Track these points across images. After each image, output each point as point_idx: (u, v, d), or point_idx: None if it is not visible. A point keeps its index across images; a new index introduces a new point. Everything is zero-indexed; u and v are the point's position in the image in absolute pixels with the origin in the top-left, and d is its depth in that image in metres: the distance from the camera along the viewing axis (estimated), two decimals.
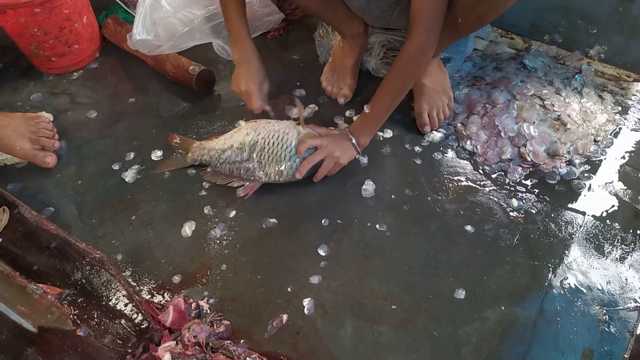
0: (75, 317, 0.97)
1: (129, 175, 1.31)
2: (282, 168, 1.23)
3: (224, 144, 1.28)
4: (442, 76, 1.41)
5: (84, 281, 1.02)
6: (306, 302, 1.07)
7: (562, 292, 1.09)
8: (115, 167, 1.33)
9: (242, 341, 1.01)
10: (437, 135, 1.41)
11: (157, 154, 1.36)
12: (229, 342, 1.00)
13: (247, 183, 1.25)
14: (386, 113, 1.27)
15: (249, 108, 1.33)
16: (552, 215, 1.22)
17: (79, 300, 0.99)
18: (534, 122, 1.34)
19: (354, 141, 1.25)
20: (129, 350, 0.94)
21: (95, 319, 0.97)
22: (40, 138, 1.31)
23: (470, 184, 1.29)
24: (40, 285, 0.97)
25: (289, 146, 1.24)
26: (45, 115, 1.42)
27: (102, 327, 0.96)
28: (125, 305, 0.99)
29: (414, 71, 1.24)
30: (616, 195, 1.26)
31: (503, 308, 1.06)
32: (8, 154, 1.30)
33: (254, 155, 1.24)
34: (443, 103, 1.40)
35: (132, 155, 1.36)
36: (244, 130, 1.28)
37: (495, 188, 1.28)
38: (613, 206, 1.24)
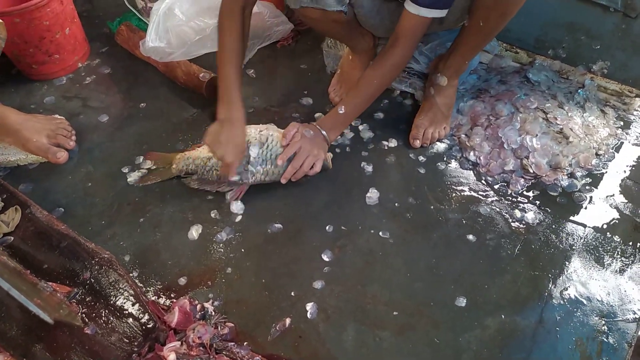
0: (84, 315, 0.98)
1: (132, 177, 1.34)
2: (269, 167, 1.27)
3: (209, 152, 1.26)
4: (452, 101, 1.45)
5: (92, 280, 1.04)
6: (309, 306, 1.09)
7: (561, 302, 1.10)
8: (125, 170, 1.36)
9: (245, 343, 1.03)
10: (441, 146, 1.43)
11: (147, 164, 1.37)
12: (232, 344, 1.01)
13: (234, 187, 1.28)
14: (356, 115, 1.36)
15: (220, 171, 1.26)
16: (553, 226, 1.23)
17: (88, 299, 1.01)
18: (537, 135, 1.36)
19: (328, 140, 1.31)
20: (135, 349, 0.95)
21: (103, 318, 0.99)
22: (57, 135, 1.37)
23: (472, 194, 1.31)
24: (50, 283, 1.00)
25: (274, 146, 1.27)
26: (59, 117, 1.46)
27: (110, 325, 0.98)
28: (132, 304, 1.01)
29: (389, 80, 1.37)
30: (617, 208, 1.27)
31: (503, 317, 1.08)
32: (23, 146, 1.34)
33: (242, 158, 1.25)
34: (442, 125, 1.43)
35: (141, 159, 1.38)
36: None
37: (497, 198, 1.30)
38: (614, 219, 1.25)
